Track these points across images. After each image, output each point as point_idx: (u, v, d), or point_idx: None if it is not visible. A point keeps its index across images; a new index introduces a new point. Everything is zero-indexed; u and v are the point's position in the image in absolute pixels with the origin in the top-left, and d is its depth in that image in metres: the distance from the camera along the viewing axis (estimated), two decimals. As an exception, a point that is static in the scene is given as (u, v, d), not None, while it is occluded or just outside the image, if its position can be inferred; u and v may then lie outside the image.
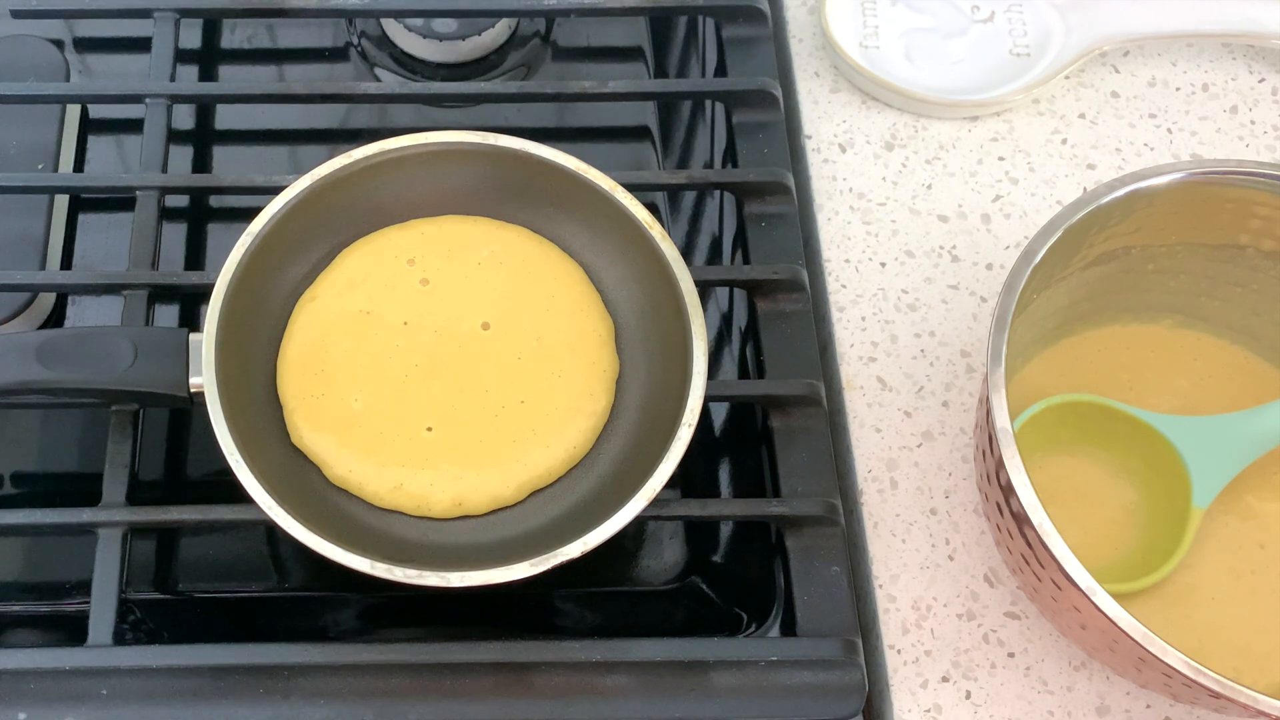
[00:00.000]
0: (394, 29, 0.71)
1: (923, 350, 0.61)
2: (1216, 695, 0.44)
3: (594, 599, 0.58)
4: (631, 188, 0.55)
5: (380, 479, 0.52)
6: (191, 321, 0.62)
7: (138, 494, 0.54)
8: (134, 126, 0.65)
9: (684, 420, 0.51)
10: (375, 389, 0.53)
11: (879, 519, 0.57)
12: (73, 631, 0.53)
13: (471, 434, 0.53)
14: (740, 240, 0.62)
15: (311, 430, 0.53)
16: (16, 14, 0.67)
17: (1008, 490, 0.47)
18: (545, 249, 0.57)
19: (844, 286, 0.63)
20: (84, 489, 0.55)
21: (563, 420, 0.53)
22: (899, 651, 0.54)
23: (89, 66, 0.70)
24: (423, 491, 0.52)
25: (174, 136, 0.64)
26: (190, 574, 0.58)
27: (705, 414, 0.54)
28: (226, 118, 0.69)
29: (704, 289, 0.56)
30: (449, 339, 0.54)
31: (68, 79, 0.67)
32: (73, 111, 0.67)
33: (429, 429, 0.53)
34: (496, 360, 0.54)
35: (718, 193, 0.66)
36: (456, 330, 0.55)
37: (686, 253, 0.65)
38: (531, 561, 0.48)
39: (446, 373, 0.54)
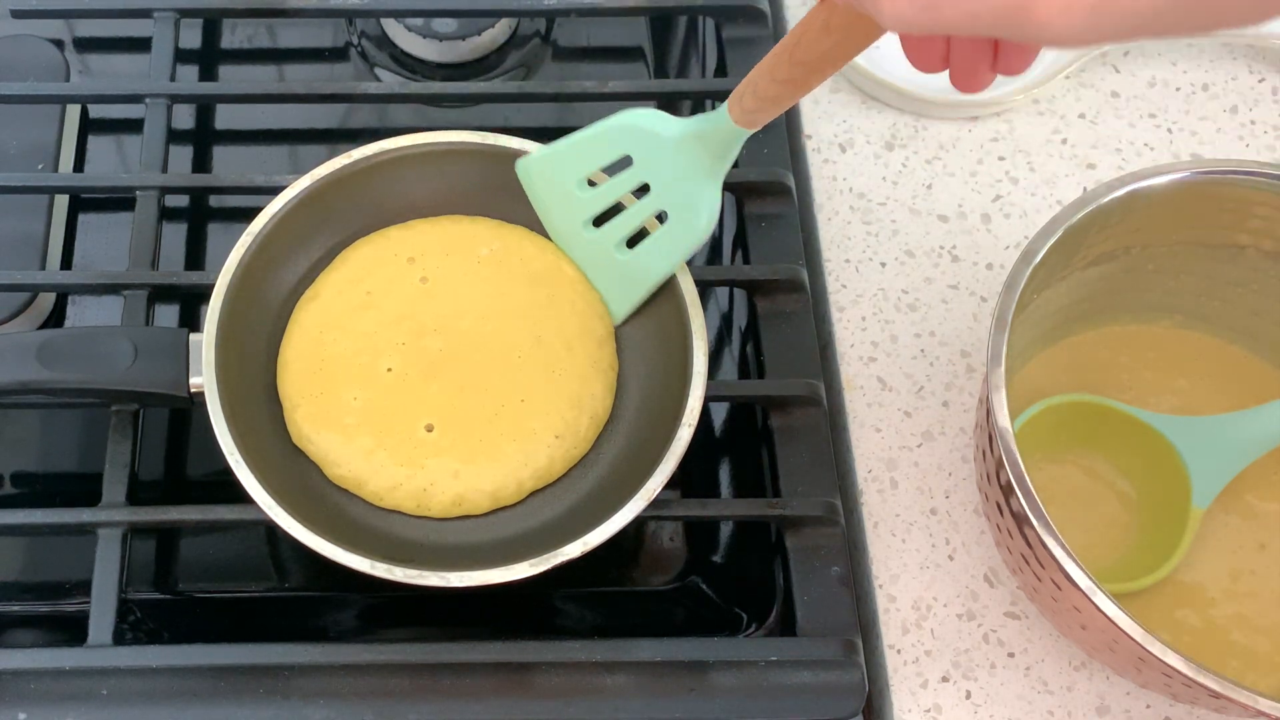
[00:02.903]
0: (394, 29, 0.71)
1: (923, 350, 0.61)
2: (1216, 695, 0.44)
3: (594, 599, 0.58)
4: (632, 188, 0.55)
5: (380, 478, 0.52)
6: (191, 321, 0.63)
7: (138, 494, 0.54)
8: (134, 126, 0.65)
9: (684, 420, 0.51)
10: (375, 388, 0.53)
11: (879, 519, 0.57)
12: (73, 631, 0.53)
13: (471, 433, 0.53)
14: (740, 240, 0.62)
15: (312, 429, 0.53)
16: (16, 14, 0.67)
17: (1008, 490, 0.47)
18: (544, 248, 0.57)
19: (844, 286, 0.63)
20: (84, 489, 0.55)
21: (563, 418, 0.53)
22: (899, 651, 0.54)
23: (89, 66, 0.70)
24: (422, 490, 0.52)
25: (174, 136, 0.64)
26: (190, 574, 0.58)
27: (705, 414, 0.54)
28: (226, 118, 0.69)
29: (704, 289, 0.56)
30: (448, 337, 0.54)
31: (68, 79, 0.67)
32: (73, 111, 0.67)
33: (429, 428, 0.53)
34: (496, 358, 0.54)
35: (718, 193, 0.66)
36: (456, 328, 0.55)
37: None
38: (531, 561, 0.48)
39: (446, 371, 0.54)
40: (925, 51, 0.41)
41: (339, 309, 0.55)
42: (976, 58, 0.40)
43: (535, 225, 0.58)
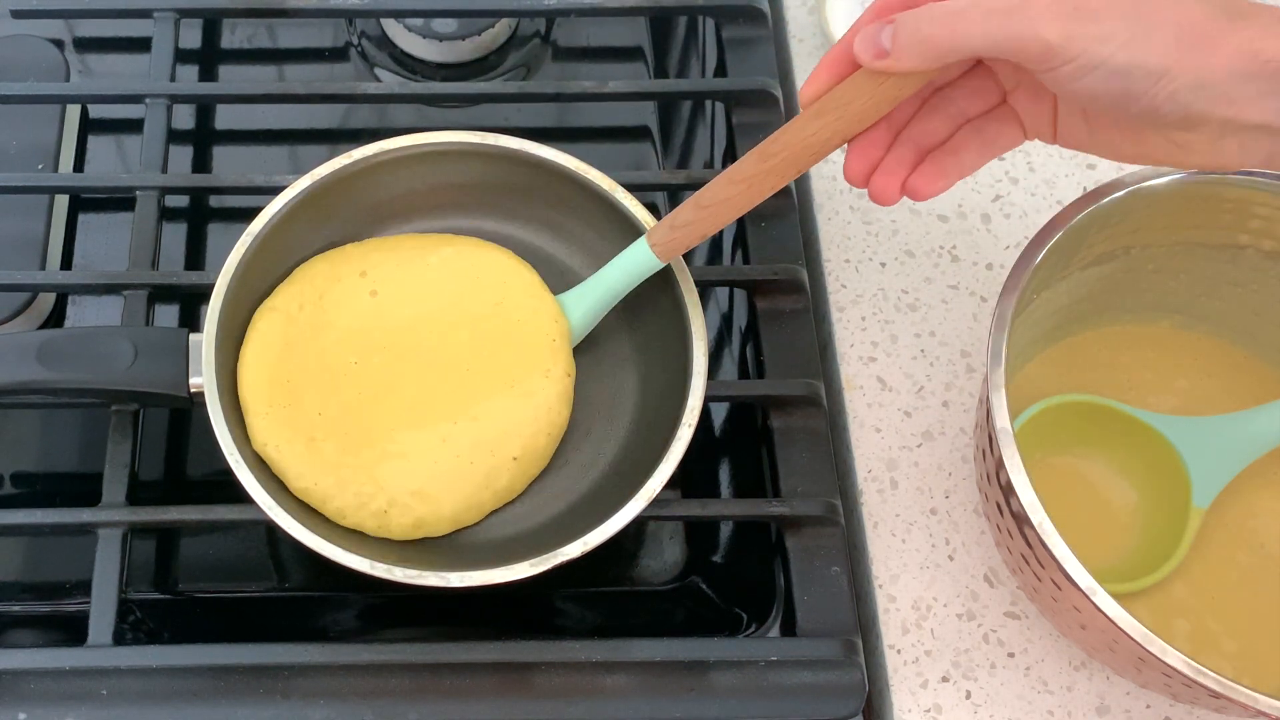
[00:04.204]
0: (394, 29, 0.71)
1: (923, 350, 0.61)
2: (1216, 695, 0.44)
3: (594, 599, 0.58)
4: (631, 188, 0.55)
5: (342, 496, 0.51)
6: (191, 321, 0.63)
7: (138, 494, 0.54)
8: (134, 126, 0.65)
9: (684, 420, 0.50)
10: (334, 406, 0.52)
11: (879, 519, 0.57)
12: (73, 631, 0.53)
13: (427, 454, 0.51)
14: (740, 240, 0.62)
15: (276, 438, 0.51)
16: (16, 14, 0.67)
17: (1008, 490, 0.47)
18: (494, 254, 0.56)
19: (844, 286, 0.63)
20: (84, 489, 0.55)
21: (520, 439, 0.52)
22: (899, 651, 0.54)
23: (89, 66, 0.70)
24: (383, 512, 0.51)
25: (174, 136, 0.64)
26: (190, 574, 0.58)
27: (705, 414, 0.54)
28: (226, 118, 0.69)
29: (704, 289, 0.56)
30: (399, 353, 0.53)
31: (68, 79, 0.67)
32: (73, 111, 0.67)
33: (385, 449, 0.51)
34: (447, 375, 0.53)
35: (718, 193, 0.66)
36: (404, 343, 0.53)
37: (686, 253, 0.64)
38: (531, 561, 0.48)
39: (399, 389, 0.52)
40: (864, 158, 0.49)
41: (299, 324, 0.53)
42: (897, 174, 0.49)
43: (535, 225, 0.58)
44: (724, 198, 0.50)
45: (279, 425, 0.51)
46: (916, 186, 0.49)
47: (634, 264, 0.53)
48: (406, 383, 0.53)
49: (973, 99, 0.49)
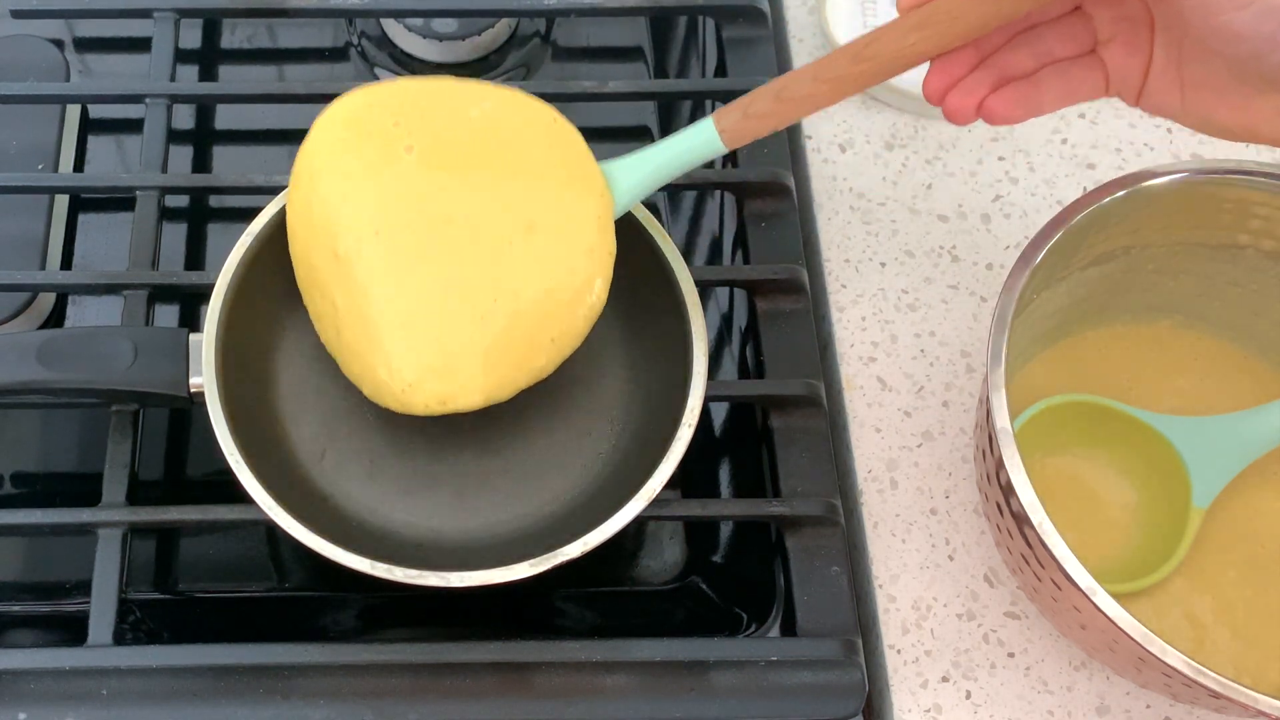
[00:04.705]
0: (394, 29, 0.71)
1: (923, 350, 0.61)
2: (1216, 695, 0.44)
3: (594, 599, 0.58)
4: (631, 188, 0.55)
5: (369, 383, 0.50)
6: (191, 321, 0.63)
7: (138, 494, 0.54)
8: (134, 126, 0.66)
9: (684, 420, 0.50)
10: (349, 291, 0.49)
11: (879, 519, 0.57)
12: (73, 631, 0.53)
13: (459, 330, 0.49)
14: (740, 240, 0.62)
15: (325, 336, 0.51)
16: (16, 14, 0.67)
17: (1008, 490, 0.47)
18: (539, 110, 0.52)
19: (844, 286, 0.63)
20: (84, 489, 0.55)
21: (557, 316, 0.50)
22: (899, 651, 0.54)
23: (89, 66, 0.70)
24: (400, 392, 0.49)
25: (174, 136, 0.64)
26: (190, 574, 0.58)
27: (705, 414, 0.54)
28: (226, 118, 0.69)
29: (704, 289, 0.56)
30: (431, 222, 0.49)
31: (68, 79, 0.67)
32: (73, 111, 0.67)
33: (416, 323, 0.49)
34: (486, 246, 0.49)
35: (718, 192, 0.66)
36: (441, 210, 0.49)
37: (686, 253, 0.65)
38: (531, 561, 0.48)
39: (428, 262, 0.49)
40: (946, 75, 0.48)
41: (318, 208, 0.51)
42: (976, 93, 0.48)
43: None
44: (806, 94, 0.49)
45: (320, 324, 0.52)
46: (993, 108, 0.49)
47: (695, 144, 0.50)
48: (437, 255, 0.49)
49: (1063, 42, 0.49)
